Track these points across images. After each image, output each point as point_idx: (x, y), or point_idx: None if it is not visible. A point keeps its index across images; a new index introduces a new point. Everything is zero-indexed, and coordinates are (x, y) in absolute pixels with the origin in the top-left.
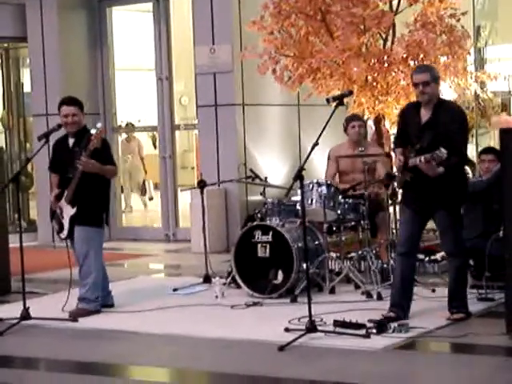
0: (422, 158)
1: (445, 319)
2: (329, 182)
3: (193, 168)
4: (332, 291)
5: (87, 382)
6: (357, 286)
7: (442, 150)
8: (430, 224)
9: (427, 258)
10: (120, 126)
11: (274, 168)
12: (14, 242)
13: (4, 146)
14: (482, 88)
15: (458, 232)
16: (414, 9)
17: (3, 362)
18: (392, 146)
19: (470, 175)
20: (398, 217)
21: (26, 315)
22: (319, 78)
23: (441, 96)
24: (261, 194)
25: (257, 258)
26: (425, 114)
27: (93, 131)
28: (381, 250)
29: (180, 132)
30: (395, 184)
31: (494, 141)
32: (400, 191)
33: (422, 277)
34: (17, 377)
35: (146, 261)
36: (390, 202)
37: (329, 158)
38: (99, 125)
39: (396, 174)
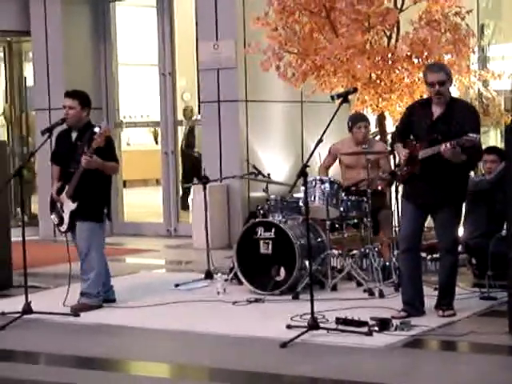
0: (448, 144)
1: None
2: (332, 179)
3: None
4: (334, 289)
5: (88, 377)
6: (359, 284)
7: (471, 134)
8: (430, 222)
9: (429, 256)
10: (122, 121)
11: (277, 164)
12: (15, 235)
13: (6, 140)
14: (485, 86)
15: (456, 229)
16: (419, 6)
17: (4, 356)
18: (390, 140)
19: (472, 174)
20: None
21: (27, 309)
22: (323, 74)
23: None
24: (263, 190)
25: (259, 255)
26: (437, 111)
27: (97, 129)
28: (383, 248)
29: (182, 127)
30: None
31: (495, 140)
32: (400, 186)
33: (424, 275)
34: (18, 371)
35: (148, 256)
36: (394, 198)
37: (329, 153)
38: (104, 123)
39: (397, 170)
